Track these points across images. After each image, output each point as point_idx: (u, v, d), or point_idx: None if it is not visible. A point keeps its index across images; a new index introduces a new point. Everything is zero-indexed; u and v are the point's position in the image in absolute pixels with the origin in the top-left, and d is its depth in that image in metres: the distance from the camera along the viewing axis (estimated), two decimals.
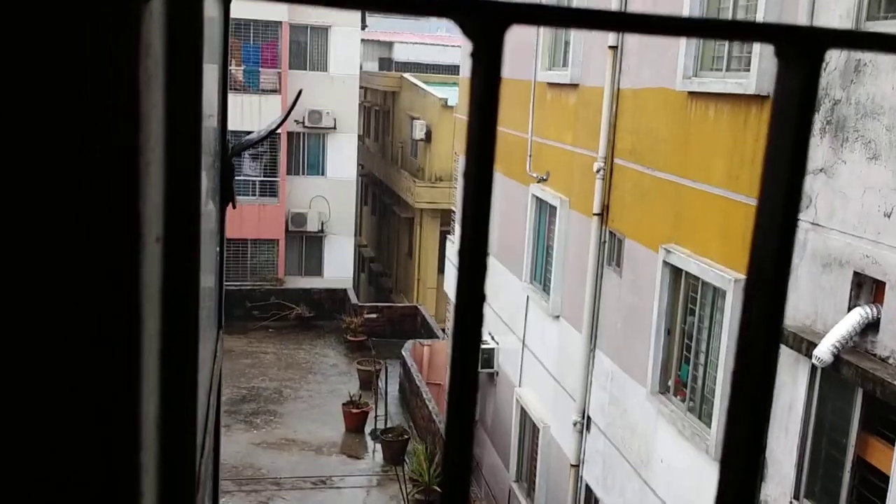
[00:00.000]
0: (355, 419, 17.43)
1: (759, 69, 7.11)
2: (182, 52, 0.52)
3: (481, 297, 0.45)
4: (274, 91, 25.08)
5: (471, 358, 0.46)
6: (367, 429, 17.49)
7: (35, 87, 0.41)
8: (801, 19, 6.59)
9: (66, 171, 0.42)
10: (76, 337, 0.45)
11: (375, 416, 17.29)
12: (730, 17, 7.85)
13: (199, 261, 0.67)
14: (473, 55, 0.44)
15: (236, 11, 25.37)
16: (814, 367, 6.26)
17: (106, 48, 0.41)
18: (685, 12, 8.30)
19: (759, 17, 7.13)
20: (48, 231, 0.43)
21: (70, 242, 0.43)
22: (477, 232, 0.47)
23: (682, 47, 8.33)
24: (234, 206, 1.64)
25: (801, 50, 0.45)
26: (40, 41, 0.40)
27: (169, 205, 0.54)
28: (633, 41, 9.68)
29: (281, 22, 24.80)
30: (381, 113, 31.34)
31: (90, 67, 0.41)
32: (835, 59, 6.30)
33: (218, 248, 1.61)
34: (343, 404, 17.66)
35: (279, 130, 24.89)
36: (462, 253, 0.43)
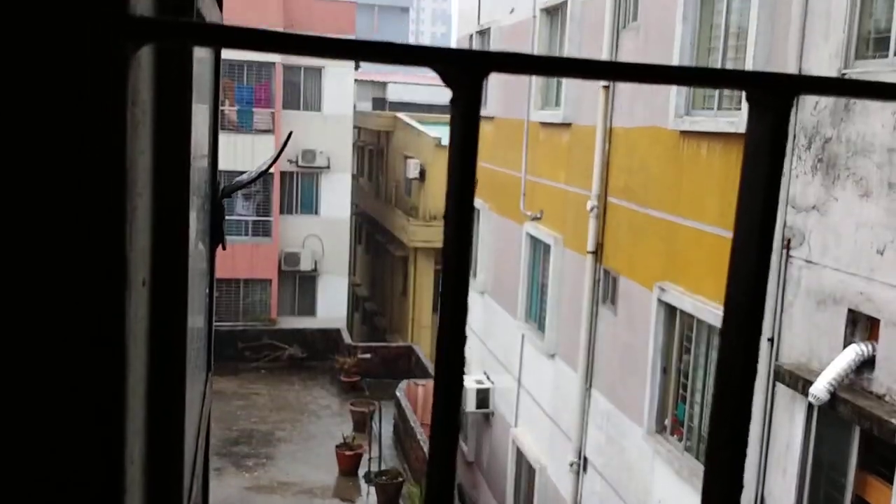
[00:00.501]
0: (349, 462, 17.22)
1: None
2: (170, 100, 0.53)
3: (462, 336, 0.46)
4: (267, 131, 25.25)
5: (453, 407, 0.47)
6: (361, 471, 17.27)
7: (23, 133, 0.42)
8: (791, 58, 6.70)
9: (52, 216, 0.43)
10: (60, 377, 0.45)
11: (369, 459, 17.09)
12: (720, 56, 7.97)
13: (187, 304, 0.68)
14: (452, 102, 0.45)
15: (230, 53, 25.70)
16: (810, 406, 6.24)
17: (93, 97, 0.42)
18: (675, 51, 8.43)
19: (749, 56, 7.24)
20: (34, 274, 0.44)
21: (55, 286, 0.44)
22: (458, 275, 0.48)
23: (674, 87, 8.45)
24: (223, 248, 1.65)
25: (771, 96, 0.46)
26: (28, 89, 0.41)
27: (156, 248, 0.55)
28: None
29: (274, 63, 25.07)
30: (375, 152, 31.54)
31: (77, 115, 0.42)
32: (824, 97, 6.40)
33: (207, 290, 1.61)
34: (336, 446, 17.46)
35: (272, 170, 24.99)
36: (444, 296, 0.44)
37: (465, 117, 0.44)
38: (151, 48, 0.51)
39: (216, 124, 1.66)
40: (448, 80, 0.44)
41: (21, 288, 0.44)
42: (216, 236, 1.54)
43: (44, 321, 0.44)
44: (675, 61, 8.45)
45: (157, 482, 0.63)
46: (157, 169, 0.55)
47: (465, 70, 0.43)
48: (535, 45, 12.36)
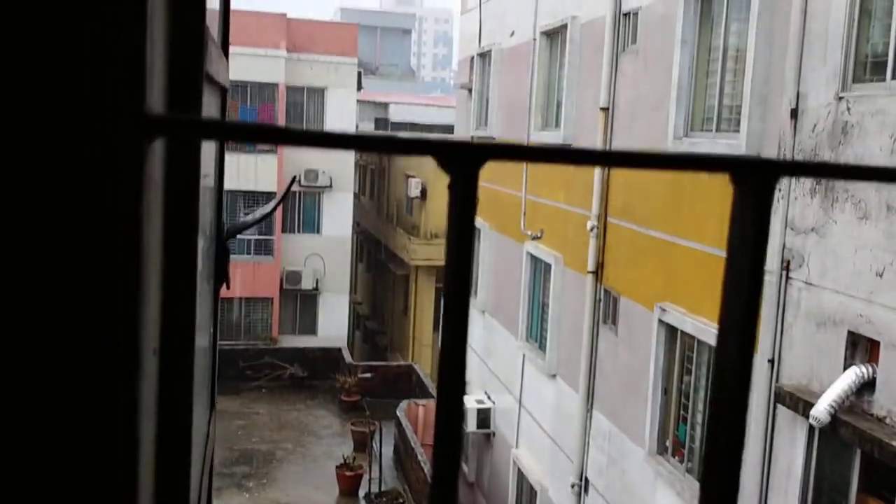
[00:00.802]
0: (349, 482, 17.14)
1: (748, 130, 7.25)
2: (180, 177, 0.55)
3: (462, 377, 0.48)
4: (270, 151, 25.34)
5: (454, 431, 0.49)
6: (362, 492, 17.18)
7: (42, 218, 0.45)
8: (789, 81, 6.75)
9: (69, 293, 0.45)
10: (70, 460, 0.47)
11: (370, 479, 17.01)
12: (718, 78, 8.03)
13: (193, 366, 0.70)
14: (450, 187, 0.47)
15: (234, 73, 25.65)
16: (811, 428, 6.23)
17: (109, 189, 0.44)
18: (674, 74, 8.49)
19: (747, 79, 7.29)
20: (49, 349, 0.46)
21: (69, 360, 0.46)
22: (455, 348, 0.50)
23: (673, 107, 8.50)
24: (227, 287, 1.67)
25: (754, 179, 0.48)
26: (49, 183, 0.43)
27: (165, 317, 0.57)
28: (624, 102, 9.87)
29: (278, 84, 25.21)
30: (376, 171, 31.65)
31: (94, 200, 0.44)
32: (822, 119, 6.43)
33: (212, 330, 1.63)
34: (337, 467, 17.39)
35: (274, 189, 25.06)
36: (440, 379, 0.46)
37: (463, 202, 0.46)
38: (164, 139, 0.54)
39: (222, 163, 1.69)
40: (446, 167, 0.47)
41: (37, 366, 0.46)
42: (220, 277, 1.56)
43: (57, 403, 0.46)
44: (673, 84, 8.51)
45: None
46: (167, 241, 0.58)
47: (463, 160, 0.45)
48: (535, 68, 12.45)
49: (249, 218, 2.40)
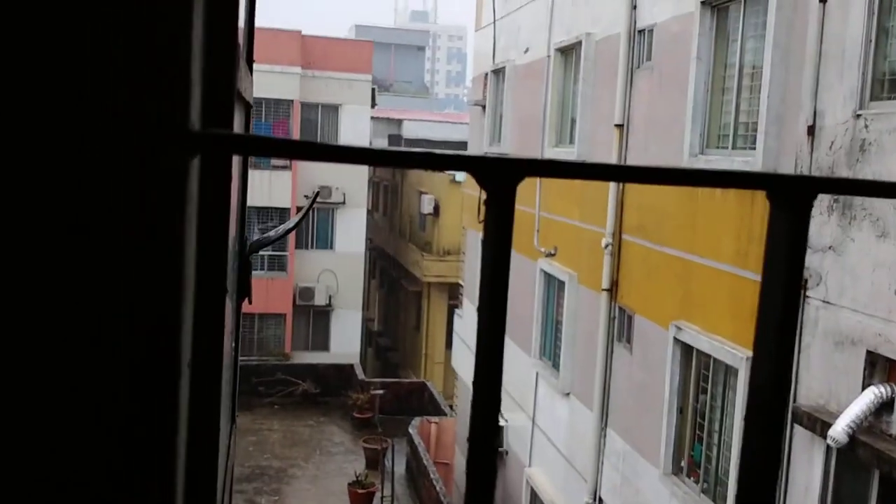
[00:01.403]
0: (361, 500, 17.07)
1: (764, 147, 7.22)
2: (213, 199, 0.56)
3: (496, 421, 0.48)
4: (285, 167, 25.48)
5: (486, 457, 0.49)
6: None
7: (92, 233, 0.45)
8: (805, 99, 6.73)
9: (114, 308, 0.45)
10: (115, 466, 0.47)
11: (382, 497, 16.94)
12: (734, 95, 8.01)
13: (221, 379, 0.70)
14: (487, 203, 0.47)
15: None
16: (829, 448, 6.16)
17: (154, 204, 0.45)
18: (690, 92, 8.48)
19: (763, 96, 7.28)
20: (100, 366, 0.46)
21: (114, 372, 0.46)
22: (491, 361, 0.50)
23: (689, 124, 8.49)
24: (250, 302, 1.68)
25: (791, 196, 0.48)
26: (99, 200, 0.44)
27: (197, 330, 0.58)
28: (639, 118, 9.87)
29: (293, 100, 25.38)
30: (389, 188, 31.75)
31: (141, 216, 0.45)
32: (839, 136, 6.40)
33: (234, 344, 1.63)
34: (349, 484, 17.32)
35: (288, 205, 25.18)
36: (475, 400, 0.45)
37: (499, 218, 0.46)
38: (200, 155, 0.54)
39: (245, 179, 1.70)
40: (483, 183, 0.47)
41: (79, 379, 0.46)
42: (243, 291, 1.57)
43: (98, 414, 0.46)
44: (689, 101, 8.50)
45: None
46: (200, 256, 0.58)
47: (501, 175, 0.45)
48: (549, 85, 12.48)
49: (272, 233, 2.41)
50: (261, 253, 25.89)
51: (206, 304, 0.60)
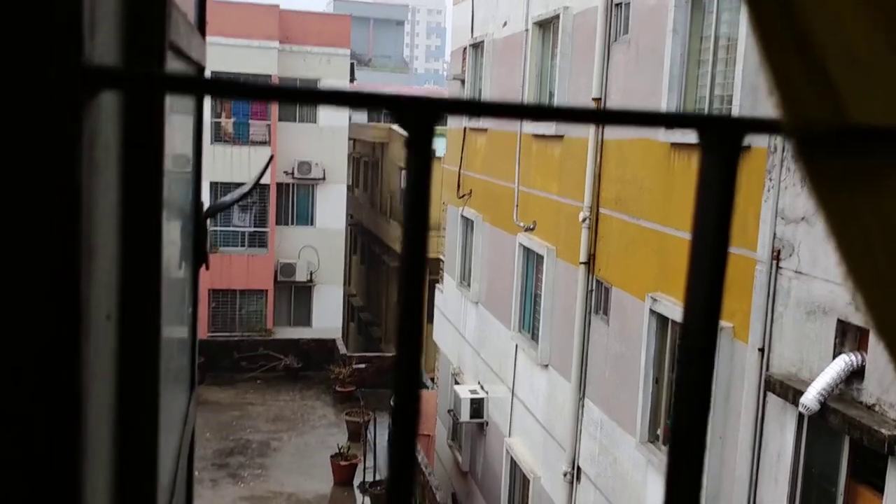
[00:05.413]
0: (344, 472, 17.19)
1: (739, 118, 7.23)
2: (141, 136, 0.54)
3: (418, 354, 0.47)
4: (263, 143, 25.28)
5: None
6: (356, 481, 17.23)
7: None
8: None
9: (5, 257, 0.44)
10: (14, 408, 0.46)
11: (364, 469, 17.06)
12: (710, 68, 8.02)
13: (158, 336, 0.68)
14: (407, 144, 0.46)
15: (226, 65, 25.36)
16: (801, 416, 6.26)
17: (47, 144, 0.43)
18: (666, 64, 8.47)
19: (738, 68, 7.28)
20: None
21: (6, 326, 0.45)
22: (410, 312, 0.49)
23: (665, 97, 8.49)
24: (206, 268, 1.66)
25: (722, 137, 0.47)
26: None
27: (125, 282, 0.56)
28: (616, 91, 9.86)
29: (270, 76, 25.11)
30: (370, 164, 31.59)
31: (31, 160, 0.43)
32: None
33: (191, 309, 1.62)
34: (331, 456, 17.43)
35: (268, 182, 25.02)
36: (399, 332, 0.45)
37: (418, 158, 0.45)
38: (118, 93, 0.52)
39: (200, 140, 1.67)
40: (403, 124, 0.45)
41: None
42: (199, 256, 1.54)
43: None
44: (665, 74, 8.50)
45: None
46: (127, 204, 0.56)
47: (418, 114, 0.44)
48: (527, 59, 12.42)
49: (228, 197, 2.39)
50: (241, 230, 25.74)
51: (137, 256, 0.58)
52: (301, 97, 0.43)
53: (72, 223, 0.44)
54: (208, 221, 1.70)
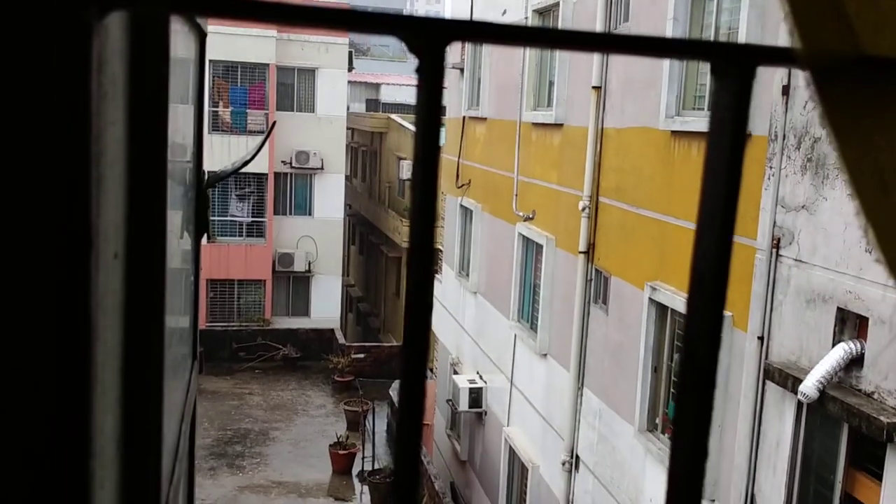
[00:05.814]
0: (343, 461, 17.22)
1: None
2: (146, 73, 0.53)
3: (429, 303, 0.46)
4: (261, 132, 25.21)
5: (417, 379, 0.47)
6: (355, 470, 17.27)
7: None
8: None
9: (11, 182, 0.43)
10: (24, 347, 0.45)
11: (363, 458, 17.09)
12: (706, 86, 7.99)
13: (164, 276, 0.68)
14: (418, 70, 0.46)
15: (224, 54, 25.34)
16: (800, 404, 6.27)
17: (54, 65, 0.42)
18: (665, 64, 8.43)
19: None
20: None
21: (17, 254, 0.44)
22: (423, 245, 0.48)
23: (665, 87, 8.47)
24: (209, 239, 1.65)
25: (734, 66, 0.47)
26: None
27: (131, 222, 0.55)
28: (616, 80, 9.83)
29: (268, 64, 25.04)
30: (368, 153, 31.54)
31: (37, 83, 0.42)
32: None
33: (193, 278, 1.61)
34: (330, 446, 17.46)
35: (266, 171, 24.97)
36: (410, 265, 0.44)
37: (429, 85, 0.44)
38: (124, 20, 0.51)
39: (201, 117, 1.66)
40: (412, 49, 0.45)
41: None
42: (201, 225, 1.54)
43: (7, 282, 0.44)
44: (665, 63, 8.47)
45: (134, 454, 0.63)
46: (132, 141, 0.56)
47: (429, 38, 0.43)
48: (527, 48, 12.37)
49: (229, 166, 2.38)
50: (239, 220, 25.71)
51: (143, 194, 0.58)
52: (306, 16, 0.42)
53: (82, 149, 0.43)
54: (209, 192, 1.70)
